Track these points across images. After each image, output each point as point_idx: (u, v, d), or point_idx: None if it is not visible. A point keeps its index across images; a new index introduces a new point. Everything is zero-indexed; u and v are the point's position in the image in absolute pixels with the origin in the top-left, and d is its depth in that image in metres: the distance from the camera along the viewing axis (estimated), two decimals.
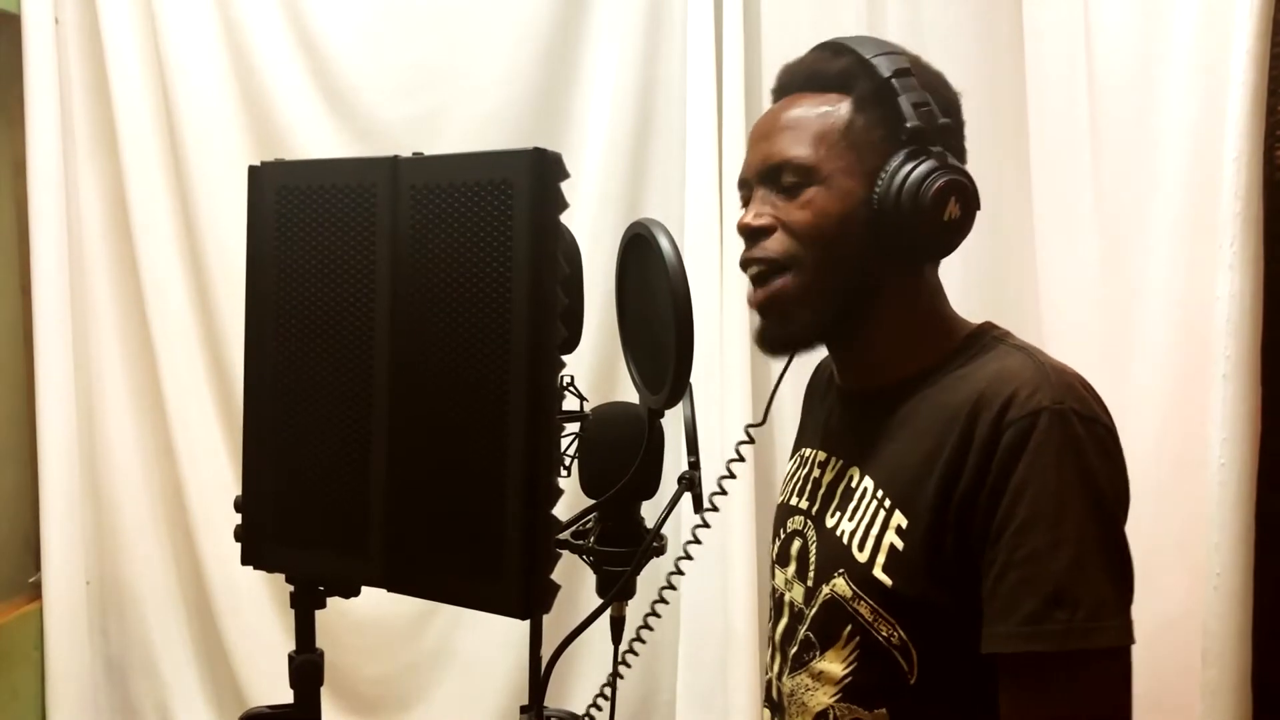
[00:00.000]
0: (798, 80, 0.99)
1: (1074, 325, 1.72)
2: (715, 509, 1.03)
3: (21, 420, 2.14)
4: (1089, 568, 0.82)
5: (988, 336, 0.96)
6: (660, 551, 0.85)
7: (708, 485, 0.94)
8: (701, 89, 1.92)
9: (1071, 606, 0.80)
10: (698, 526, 1.03)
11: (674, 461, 0.91)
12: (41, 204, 2.05)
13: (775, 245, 0.95)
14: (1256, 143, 1.46)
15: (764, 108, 1.03)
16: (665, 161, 2.03)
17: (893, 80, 0.91)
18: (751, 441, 1.11)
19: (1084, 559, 0.82)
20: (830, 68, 0.96)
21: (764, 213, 0.96)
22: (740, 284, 1.93)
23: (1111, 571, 0.83)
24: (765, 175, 0.97)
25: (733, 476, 1.07)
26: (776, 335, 0.98)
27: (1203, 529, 1.50)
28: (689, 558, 1.04)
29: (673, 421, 0.86)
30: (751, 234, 0.96)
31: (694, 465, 0.88)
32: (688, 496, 0.88)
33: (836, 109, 0.94)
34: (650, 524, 0.86)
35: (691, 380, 0.80)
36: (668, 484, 0.86)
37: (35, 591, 2.12)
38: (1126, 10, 1.68)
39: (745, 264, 0.98)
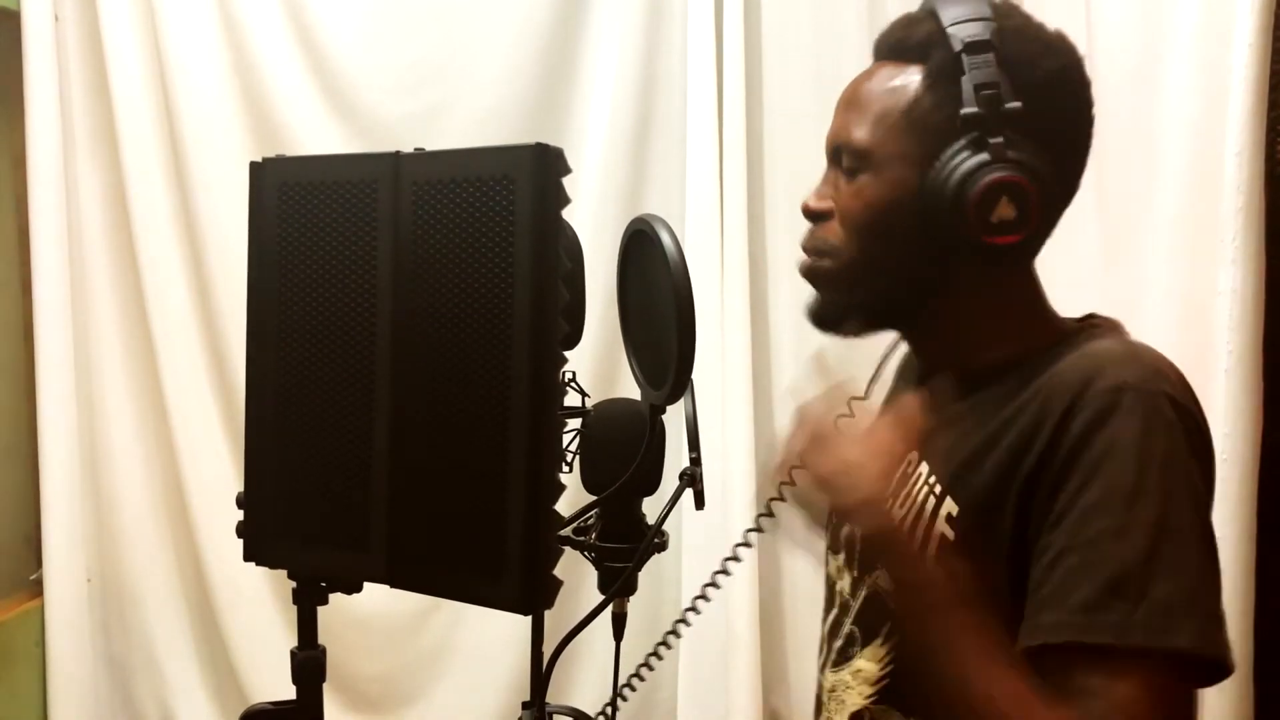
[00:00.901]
0: (885, 46, 0.87)
1: None
2: (761, 529, 1.01)
3: (22, 418, 2.14)
4: (1166, 557, 0.70)
5: (1081, 334, 0.85)
6: (662, 548, 0.85)
7: (723, 489, 0.92)
8: (702, 86, 1.92)
9: (1135, 598, 0.69)
10: (736, 548, 1.00)
11: (675, 458, 0.91)
12: (41, 202, 2.04)
13: (823, 234, 0.88)
14: (1258, 137, 1.46)
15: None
16: (666, 158, 2.02)
17: (962, 55, 0.78)
18: (851, 415, 1.02)
19: (1161, 548, 0.70)
20: (913, 34, 0.84)
21: (825, 194, 0.88)
22: (741, 282, 1.93)
23: (1196, 566, 0.71)
24: (833, 154, 0.89)
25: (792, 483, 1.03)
26: (813, 309, 0.91)
27: None
28: (716, 587, 1.02)
29: (674, 418, 0.86)
30: (811, 217, 0.89)
31: (695, 461, 0.87)
32: (689, 493, 0.88)
33: (905, 85, 0.83)
34: (651, 520, 0.86)
35: (693, 376, 0.80)
36: (669, 480, 0.86)
37: (36, 589, 2.12)
38: (1126, 9, 1.67)
39: (803, 249, 0.91)
